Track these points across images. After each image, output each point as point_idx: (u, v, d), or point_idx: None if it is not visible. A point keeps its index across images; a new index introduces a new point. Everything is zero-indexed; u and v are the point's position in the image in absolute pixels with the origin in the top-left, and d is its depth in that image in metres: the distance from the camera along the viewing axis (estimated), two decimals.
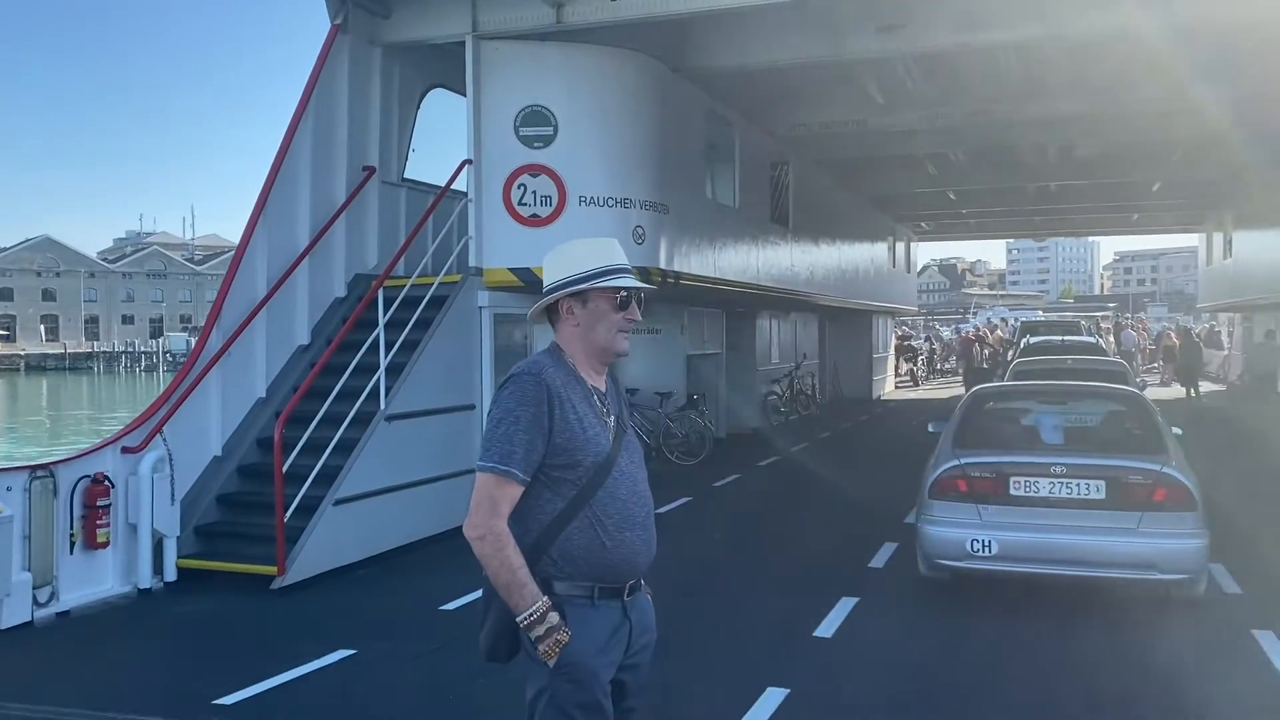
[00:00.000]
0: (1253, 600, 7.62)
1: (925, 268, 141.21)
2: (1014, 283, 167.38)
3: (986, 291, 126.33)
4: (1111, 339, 37.35)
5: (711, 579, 8.61)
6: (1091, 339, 25.38)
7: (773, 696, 5.78)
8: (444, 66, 12.18)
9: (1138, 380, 15.63)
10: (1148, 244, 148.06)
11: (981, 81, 14.24)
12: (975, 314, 63.82)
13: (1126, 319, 55.80)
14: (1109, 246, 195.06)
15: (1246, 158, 19.48)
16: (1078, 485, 7.18)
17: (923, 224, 32.49)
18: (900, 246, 31.50)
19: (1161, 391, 25.88)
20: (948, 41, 11.58)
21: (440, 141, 12.53)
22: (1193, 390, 23.77)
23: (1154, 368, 35.65)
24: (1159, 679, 6.07)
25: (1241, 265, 24.77)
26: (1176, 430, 8.17)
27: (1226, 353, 33.08)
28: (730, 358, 19.41)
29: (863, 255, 25.72)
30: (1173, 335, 35.31)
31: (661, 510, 3.19)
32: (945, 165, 20.84)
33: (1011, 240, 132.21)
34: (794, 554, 9.68)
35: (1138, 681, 6.04)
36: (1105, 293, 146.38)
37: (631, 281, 3.14)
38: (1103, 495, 7.12)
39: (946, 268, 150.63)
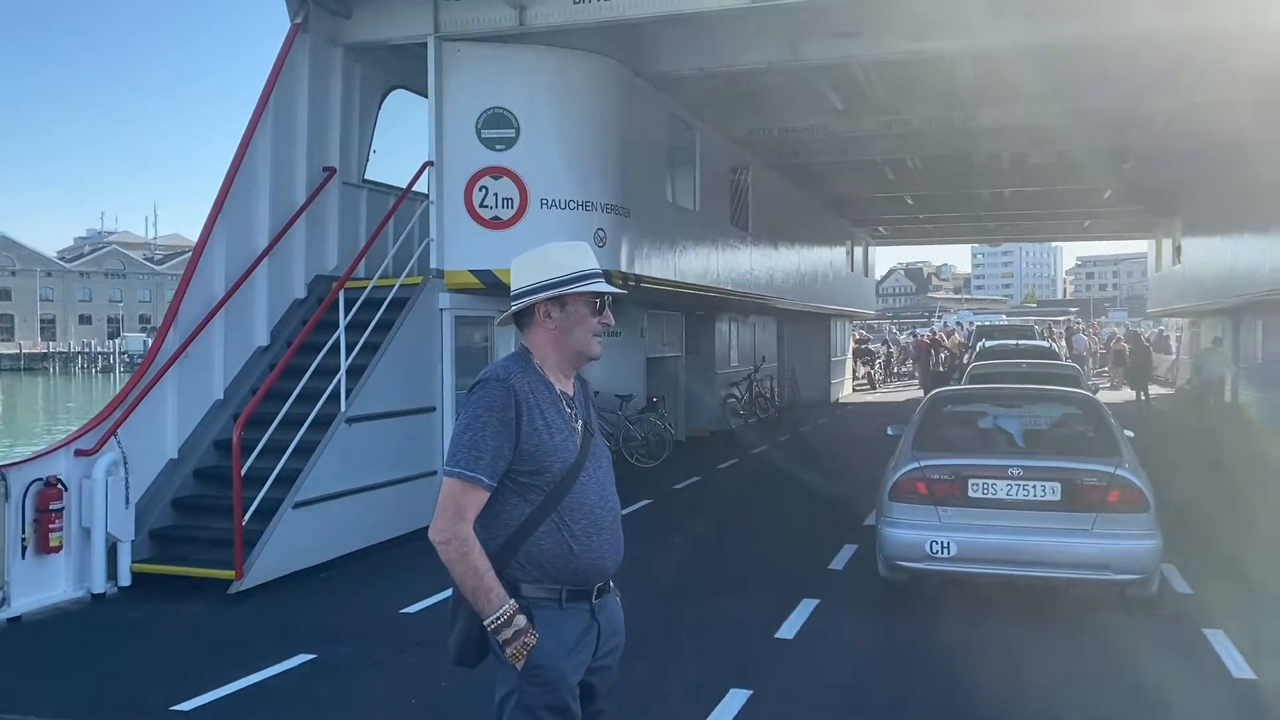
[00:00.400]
0: (1203, 600, 7.79)
1: (891, 271, 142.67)
2: (979, 287, 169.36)
3: (952, 295, 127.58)
4: (1063, 343, 37.98)
5: (673, 581, 8.63)
6: (1045, 343, 25.77)
7: (736, 698, 5.82)
8: (405, 67, 12.12)
9: (1089, 384, 15.90)
10: (1109, 249, 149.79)
11: (938, 88, 14.40)
12: (940, 317, 64.47)
13: (1078, 324, 56.70)
14: (1071, 251, 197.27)
15: (1194, 166, 19.92)
16: (1034, 487, 7.30)
17: (880, 228, 32.76)
18: (858, 250, 31.78)
19: (1112, 395, 26.33)
20: (904, 48, 11.70)
21: (401, 143, 12.47)
22: (1142, 394, 24.20)
23: (1103, 371, 36.25)
24: (1114, 678, 6.19)
25: (1190, 271, 25.27)
26: (1129, 433, 8.34)
27: (1175, 357, 33.70)
28: (690, 361, 19.47)
29: (821, 259, 25.91)
30: (1121, 340, 35.93)
31: (622, 513, 3.23)
32: (903, 170, 21.04)
33: (977, 245, 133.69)
34: (755, 556, 9.74)
35: (1093, 680, 6.16)
36: (1068, 297, 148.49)
37: (610, 286, 3.17)
38: (1058, 497, 7.24)
39: (913, 271, 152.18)
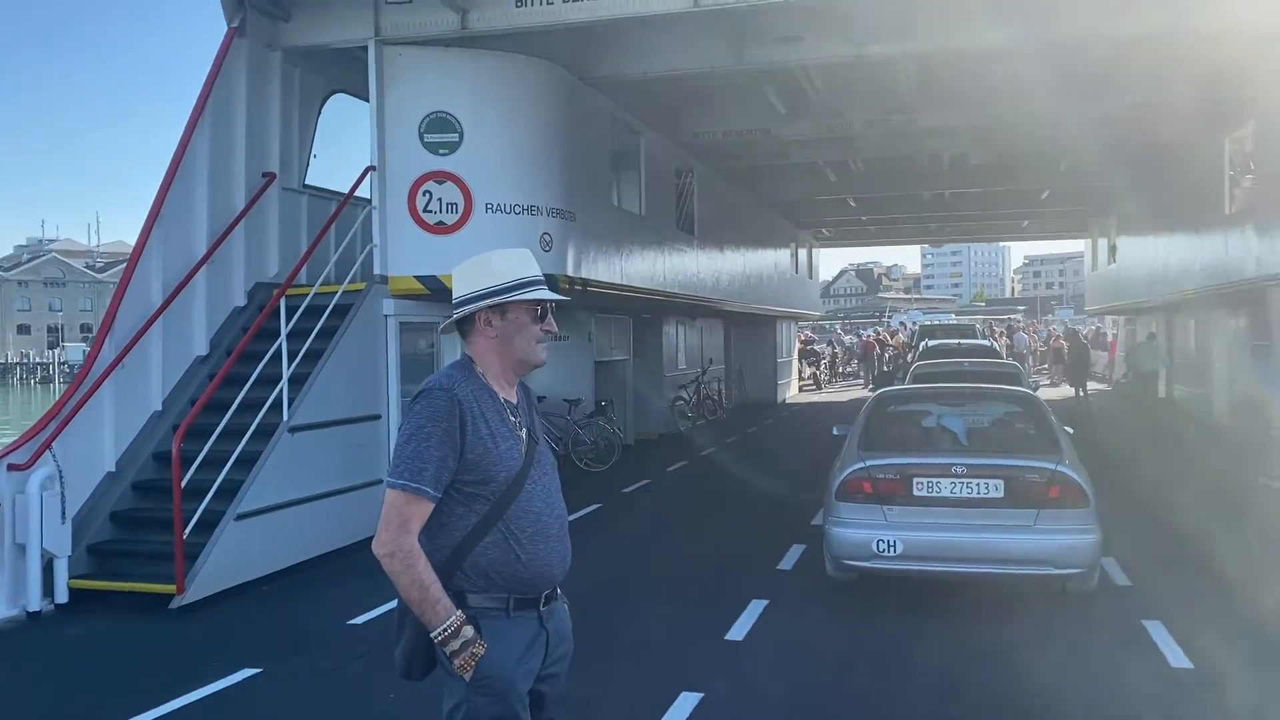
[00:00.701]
0: (1141, 592, 7.97)
1: (843, 272, 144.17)
2: (928, 286, 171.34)
3: (902, 295, 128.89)
4: (1005, 341, 38.64)
5: (623, 585, 8.63)
6: (986, 342, 26.17)
7: (687, 701, 5.83)
8: (346, 71, 11.98)
9: (1030, 381, 16.18)
10: (1055, 248, 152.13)
11: (879, 91, 14.59)
12: (889, 317, 65.19)
13: (1018, 323, 57.71)
14: (1019, 251, 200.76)
15: (1127, 167, 20.36)
16: (977, 485, 7.40)
17: (824, 230, 33.07)
18: (803, 252, 32.04)
19: (1051, 392, 26.82)
20: (846, 53, 11.83)
21: (343, 148, 12.32)
22: (1081, 390, 24.68)
23: (1043, 369, 36.92)
24: (1058, 671, 6.29)
25: (1124, 270, 25.84)
26: (1068, 429, 8.49)
27: (1111, 355, 34.41)
28: (637, 364, 19.48)
29: (766, 261, 26.09)
30: (1059, 338, 36.63)
31: (572, 518, 3.23)
32: (845, 173, 21.28)
33: (925, 245, 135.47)
34: (704, 558, 9.76)
35: (1038, 674, 6.24)
36: (1015, 295, 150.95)
37: (551, 293, 3.15)
38: (1001, 494, 7.35)
39: (863, 272, 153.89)
